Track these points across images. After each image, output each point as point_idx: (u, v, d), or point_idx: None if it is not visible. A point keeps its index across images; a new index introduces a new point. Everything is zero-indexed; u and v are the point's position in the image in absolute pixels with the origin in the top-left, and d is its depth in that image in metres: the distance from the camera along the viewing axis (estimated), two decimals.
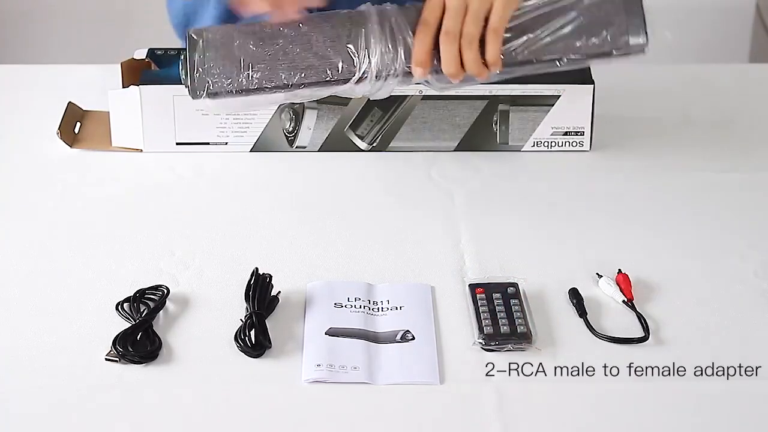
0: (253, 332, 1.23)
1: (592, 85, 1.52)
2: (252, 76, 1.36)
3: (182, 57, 1.38)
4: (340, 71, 1.36)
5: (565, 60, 1.37)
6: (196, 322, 1.27)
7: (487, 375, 1.19)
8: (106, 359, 1.21)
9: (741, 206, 1.46)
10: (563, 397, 1.18)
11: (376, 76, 1.37)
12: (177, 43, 1.76)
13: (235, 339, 1.23)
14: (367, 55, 1.36)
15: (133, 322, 1.24)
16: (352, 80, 1.37)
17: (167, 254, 1.37)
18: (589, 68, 1.54)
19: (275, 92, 1.37)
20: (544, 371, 1.20)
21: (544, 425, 1.15)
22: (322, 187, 1.50)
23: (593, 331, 1.25)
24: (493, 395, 1.17)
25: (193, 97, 1.36)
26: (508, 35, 1.36)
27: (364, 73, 1.36)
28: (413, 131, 1.54)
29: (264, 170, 1.53)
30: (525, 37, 1.36)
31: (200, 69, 1.36)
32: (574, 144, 1.55)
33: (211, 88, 1.36)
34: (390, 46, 1.36)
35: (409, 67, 1.36)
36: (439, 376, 1.19)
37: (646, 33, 1.37)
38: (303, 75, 1.36)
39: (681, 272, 1.34)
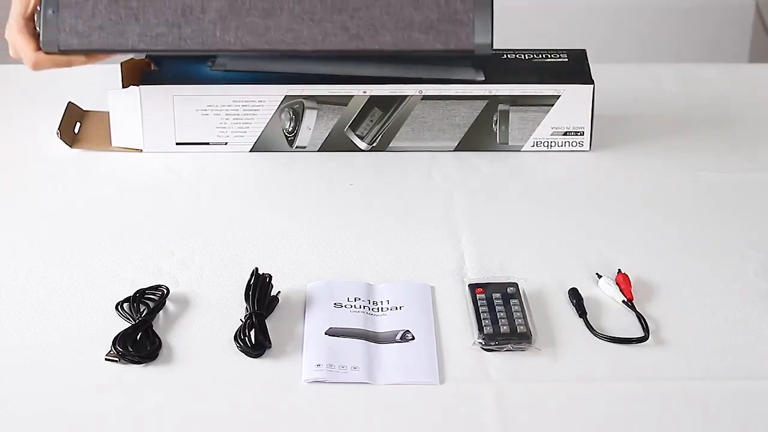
0: (253, 332, 1.23)
1: (592, 85, 1.52)
2: (100, 37, 1.39)
3: (39, 8, 1.40)
4: (189, 43, 1.38)
5: (400, 48, 1.39)
6: (196, 322, 1.27)
7: (486, 375, 1.20)
8: (106, 359, 1.21)
9: (741, 206, 1.46)
10: (563, 397, 1.18)
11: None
12: None
13: (235, 339, 1.23)
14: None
15: (133, 322, 1.24)
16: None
17: (167, 254, 1.37)
18: (589, 68, 1.54)
19: (126, 53, 1.40)
20: (543, 371, 1.20)
21: (543, 425, 1.15)
22: (322, 187, 1.50)
23: (593, 331, 1.25)
24: (493, 395, 1.17)
25: (43, 50, 1.40)
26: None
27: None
28: (413, 131, 1.54)
29: (264, 170, 1.53)
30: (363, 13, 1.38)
31: (52, 23, 1.38)
32: (574, 144, 1.55)
33: (60, 43, 1.39)
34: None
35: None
36: (439, 376, 1.19)
37: (491, 33, 1.37)
38: (152, 42, 1.39)
39: (681, 272, 1.34)
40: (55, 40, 1.40)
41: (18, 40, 1.41)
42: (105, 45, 1.41)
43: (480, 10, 1.36)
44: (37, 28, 1.42)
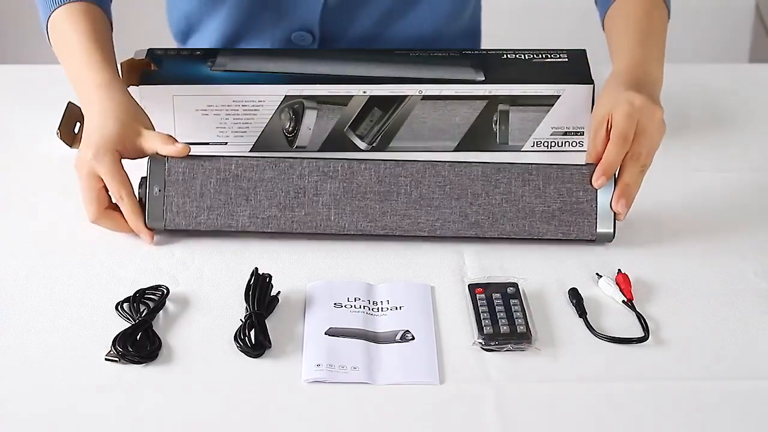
0: (253, 332, 1.23)
1: (592, 85, 1.52)
2: (209, 218, 1.36)
3: (143, 179, 1.37)
4: (301, 226, 1.36)
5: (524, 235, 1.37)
6: (196, 322, 1.27)
7: (486, 375, 1.20)
8: (106, 359, 1.21)
9: (741, 206, 1.46)
10: (562, 397, 1.18)
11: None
12: (177, 43, 1.76)
13: (235, 339, 1.23)
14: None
15: (133, 322, 1.24)
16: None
17: (167, 254, 1.37)
18: (589, 68, 1.54)
19: (233, 232, 1.37)
20: (543, 371, 1.20)
21: (543, 425, 1.15)
22: None
23: (593, 331, 1.25)
24: (493, 395, 1.17)
25: (147, 226, 1.37)
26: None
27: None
28: (413, 131, 1.54)
29: None
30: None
31: (158, 201, 1.36)
32: (574, 144, 1.55)
33: (166, 223, 1.37)
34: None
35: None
36: (439, 376, 1.19)
37: (614, 224, 1.36)
38: (263, 224, 1.36)
39: (681, 272, 1.34)
40: (161, 219, 1.36)
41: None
42: (213, 226, 1.36)
43: (603, 197, 1.36)
44: (141, 200, 1.37)
